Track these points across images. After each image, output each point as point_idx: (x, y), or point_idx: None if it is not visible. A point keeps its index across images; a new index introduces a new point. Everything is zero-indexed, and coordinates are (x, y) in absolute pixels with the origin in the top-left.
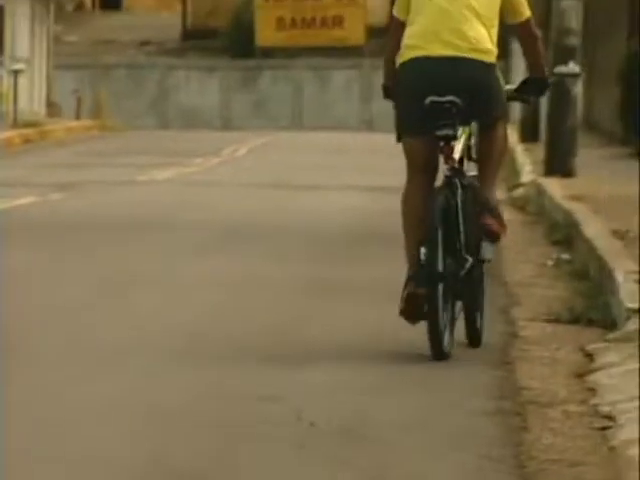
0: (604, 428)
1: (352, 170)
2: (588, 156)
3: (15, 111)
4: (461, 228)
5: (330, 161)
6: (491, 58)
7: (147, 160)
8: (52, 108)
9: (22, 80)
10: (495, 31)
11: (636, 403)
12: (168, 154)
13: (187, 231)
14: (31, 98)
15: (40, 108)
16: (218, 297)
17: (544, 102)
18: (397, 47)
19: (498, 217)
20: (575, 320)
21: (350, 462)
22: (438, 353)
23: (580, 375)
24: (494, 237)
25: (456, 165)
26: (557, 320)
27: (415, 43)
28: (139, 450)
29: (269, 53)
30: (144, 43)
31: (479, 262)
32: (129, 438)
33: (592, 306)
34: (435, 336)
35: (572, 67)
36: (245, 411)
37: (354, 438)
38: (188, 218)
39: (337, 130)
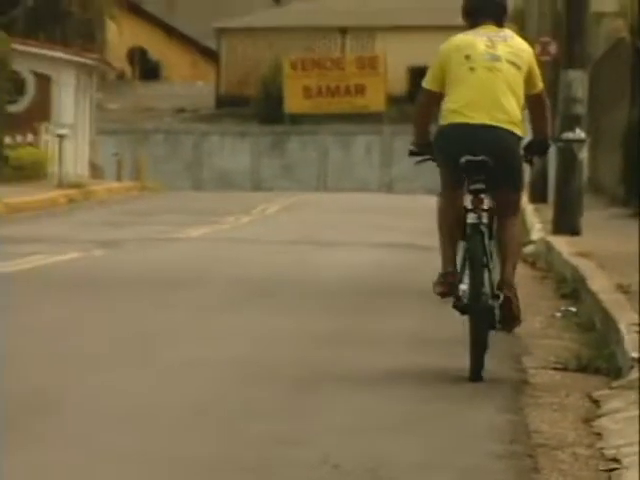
0: (610, 470)
1: (372, 228)
2: (593, 216)
3: (60, 173)
4: (491, 267)
5: (352, 220)
6: (521, 130)
7: (183, 219)
8: (95, 170)
9: (67, 144)
10: (521, 103)
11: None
12: (203, 213)
13: (219, 285)
14: (75, 161)
15: (83, 170)
16: (246, 348)
17: (552, 165)
18: (428, 116)
19: (517, 301)
20: (582, 368)
21: None
22: (476, 374)
23: (587, 420)
24: (512, 320)
25: (483, 215)
26: (565, 368)
27: (458, 109)
28: None
29: (296, 119)
30: (180, 110)
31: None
32: None
33: (598, 355)
34: (476, 359)
35: (578, 133)
36: (272, 455)
37: (376, 478)
38: (221, 273)
39: (359, 191)
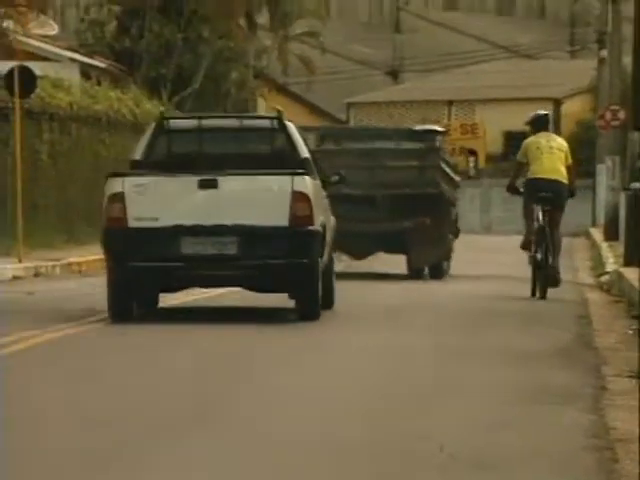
0: None
1: (474, 263)
2: None
3: None
4: (550, 247)
5: (457, 256)
6: (566, 181)
7: None
8: None
9: None
10: (566, 168)
11: None
12: None
13: (356, 310)
14: None
15: None
16: (386, 361)
17: (622, 210)
18: (518, 174)
19: (558, 274)
20: None
21: None
22: (533, 294)
23: None
24: (556, 284)
25: (547, 222)
26: (637, 376)
27: (535, 172)
28: (321, 464)
29: None
30: None
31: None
32: (315, 454)
33: None
34: (543, 291)
35: None
36: (399, 448)
37: (484, 465)
38: (353, 301)
39: (464, 233)
